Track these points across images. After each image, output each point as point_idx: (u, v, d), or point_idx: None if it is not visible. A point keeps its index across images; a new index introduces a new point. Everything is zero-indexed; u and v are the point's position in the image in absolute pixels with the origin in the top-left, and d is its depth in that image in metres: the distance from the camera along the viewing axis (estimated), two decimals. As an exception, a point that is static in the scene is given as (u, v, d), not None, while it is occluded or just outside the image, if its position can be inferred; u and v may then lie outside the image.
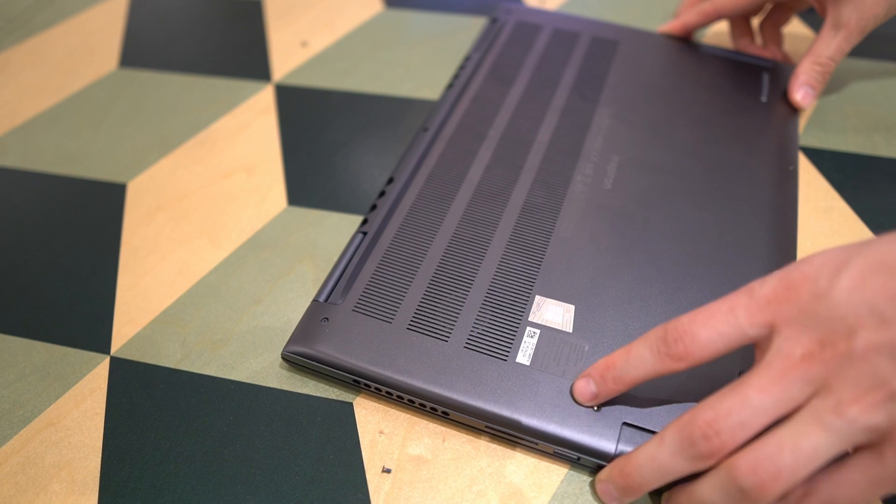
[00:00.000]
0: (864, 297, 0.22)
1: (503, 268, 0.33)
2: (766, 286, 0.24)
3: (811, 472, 0.22)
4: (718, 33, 0.51)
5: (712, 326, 0.24)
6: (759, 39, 0.48)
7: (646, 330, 0.30)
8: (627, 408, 0.28)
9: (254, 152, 0.43)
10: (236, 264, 0.37)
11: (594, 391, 0.28)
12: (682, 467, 0.24)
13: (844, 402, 0.22)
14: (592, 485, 0.28)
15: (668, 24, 0.47)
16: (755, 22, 0.48)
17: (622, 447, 0.27)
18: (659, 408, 0.28)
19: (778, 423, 0.23)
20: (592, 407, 0.28)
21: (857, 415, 0.21)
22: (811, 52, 0.41)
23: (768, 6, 0.46)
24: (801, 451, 0.22)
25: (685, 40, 0.47)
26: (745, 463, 0.22)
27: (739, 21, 0.47)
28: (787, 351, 0.23)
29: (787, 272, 0.24)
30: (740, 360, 0.29)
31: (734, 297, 0.25)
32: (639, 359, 0.26)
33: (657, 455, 0.25)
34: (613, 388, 0.27)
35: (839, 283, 0.23)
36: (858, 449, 0.23)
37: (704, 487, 0.24)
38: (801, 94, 0.41)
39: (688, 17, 0.46)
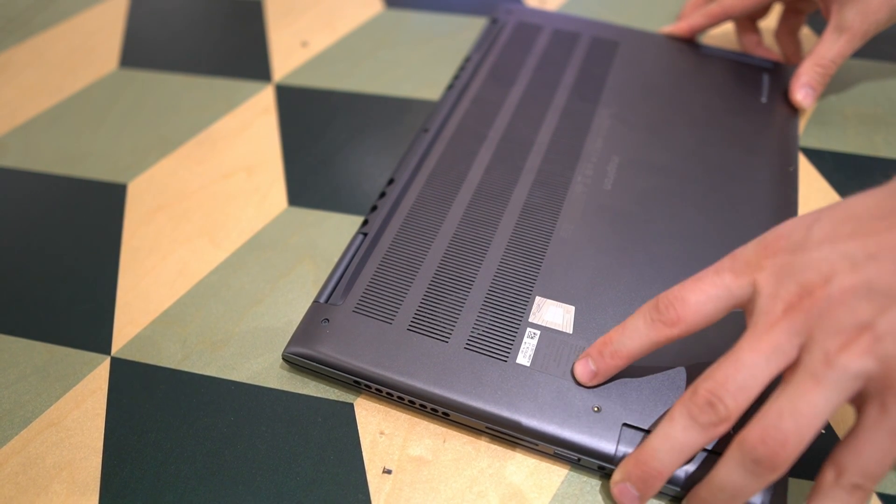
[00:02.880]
0: (836, 245, 0.23)
1: (503, 268, 0.33)
2: (747, 248, 0.25)
3: (817, 429, 0.22)
4: (719, 34, 0.51)
5: (701, 290, 0.26)
6: (767, 39, 0.48)
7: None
8: (628, 409, 0.28)
9: (254, 152, 0.43)
10: (236, 265, 0.37)
11: (593, 369, 0.28)
12: (696, 440, 0.24)
13: (832, 352, 0.22)
14: (593, 485, 0.28)
15: (673, 27, 0.47)
16: (761, 24, 0.48)
17: (622, 448, 0.27)
18: (659, 409, 0.28)
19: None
20: (593, 408, 0.28)
21: (846, 362, 0.22)
22: (813, 53, 0.41)
23: (776, 7, 0.46)
24: (801, 412, 0.22)
25: (685, 41, 0.47)
26: (753, 436, 0.23)
27: (745, 20, 0.47)
28: (769, 307, 0.24)
29: (764, 235, 0.25)
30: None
31: (720, 262, 0.26)
32: (634, 330, 0.27)
33: (670, 433, 0.25)
34: (612, 364, 0.28)
35: (811, 236, 0.24)
36: (860, 407, 0.23)
37: (723, 470, 0.24)
38: (801, 93, 0.41)
39: (694, 20, 0.46)
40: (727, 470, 0.24)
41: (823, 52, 0.40)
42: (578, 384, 0.29)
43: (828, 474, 0.24)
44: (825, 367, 0.22)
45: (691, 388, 0.25)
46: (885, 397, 0.22)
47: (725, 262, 0.26)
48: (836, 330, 0.22)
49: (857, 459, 0.23)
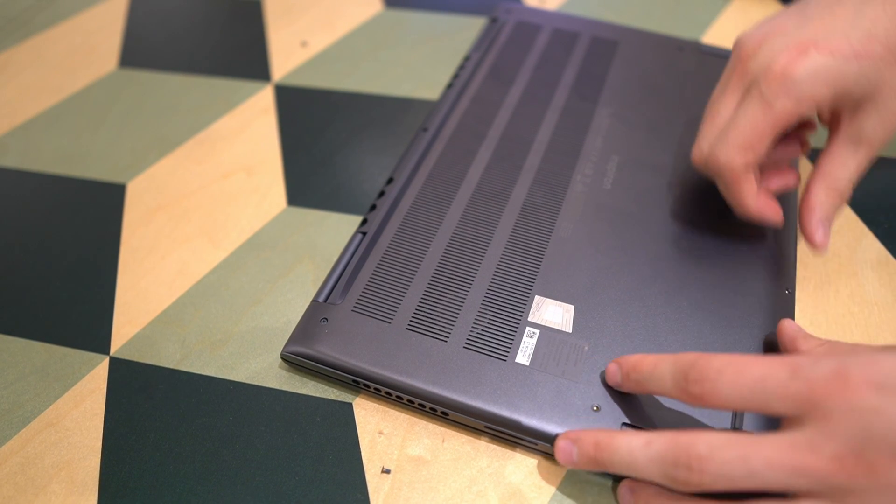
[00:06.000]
0: None
1: (503, 268, 0.33)
2: (818, 370, 0.22)
3: None
4: (719, 34, 0.51)
5: (737, 386, 0.23)
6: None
7: (645, 330, 0.31)
8: (627, 409, 0.28)
9: (254, 152, 0.43)
10: (236, 264, 0.37)
11: (619, 382, 0.28)
12: (653, 476, 0.24)
13: None
14: (592, 485, 0.28)
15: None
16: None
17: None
18: (658, 410, 0.28)
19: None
20: (593, 407, 0.28)
21: None
22: (824, 174, 0.31)
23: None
24: None
25: (684, 41, 0.47)
26: None
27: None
28: (818, 444, 0.21)
29: (846, 364, 0.22)
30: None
31: (774, 367, 0.23)
32: (660, 376, 0.26)
33: (637, 453, 0.24)
34: (633, 388, 0.27)
35: None
36: None
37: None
38: (820, 234, 0.31)
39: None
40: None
41: (838, 172, 0.30)
42: (605, 381, 0.29)
43: None
44: None
45: (688, 437, 0.23)
46: None
47: (781, 371, 0.23)
48: None
49: None
